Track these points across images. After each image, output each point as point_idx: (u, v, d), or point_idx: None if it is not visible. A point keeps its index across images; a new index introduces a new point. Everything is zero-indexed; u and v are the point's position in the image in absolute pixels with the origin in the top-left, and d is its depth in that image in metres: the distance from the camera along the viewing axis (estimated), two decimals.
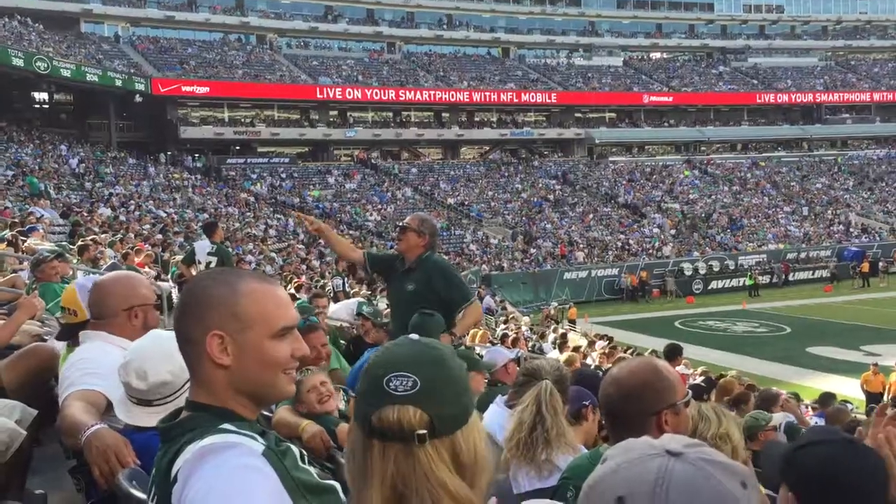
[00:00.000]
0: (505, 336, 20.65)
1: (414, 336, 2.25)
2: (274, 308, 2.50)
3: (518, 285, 48.83)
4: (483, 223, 57.29)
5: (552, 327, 30.17)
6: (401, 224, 7.44)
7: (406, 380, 2.10)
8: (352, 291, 19.41)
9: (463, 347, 10.91)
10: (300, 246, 39.97)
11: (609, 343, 22.53)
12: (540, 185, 64.96)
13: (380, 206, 55.70)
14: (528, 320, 32.47)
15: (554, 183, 65.94)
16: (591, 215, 60.85)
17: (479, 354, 7.86)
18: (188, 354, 2.49)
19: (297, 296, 14.32)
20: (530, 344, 22.65)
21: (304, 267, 31.07)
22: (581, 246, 55.15)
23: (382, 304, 14.77)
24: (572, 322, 38.27)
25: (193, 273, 13.09)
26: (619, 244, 56.45)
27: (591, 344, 22.50)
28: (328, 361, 6.60)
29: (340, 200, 56.01)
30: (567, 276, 50.80)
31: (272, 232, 43.36)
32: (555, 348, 21.16)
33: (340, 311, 12.26)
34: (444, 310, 6.82)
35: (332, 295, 17.76)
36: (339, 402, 5.23)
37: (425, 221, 7.41)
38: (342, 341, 9.25)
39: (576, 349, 18.92)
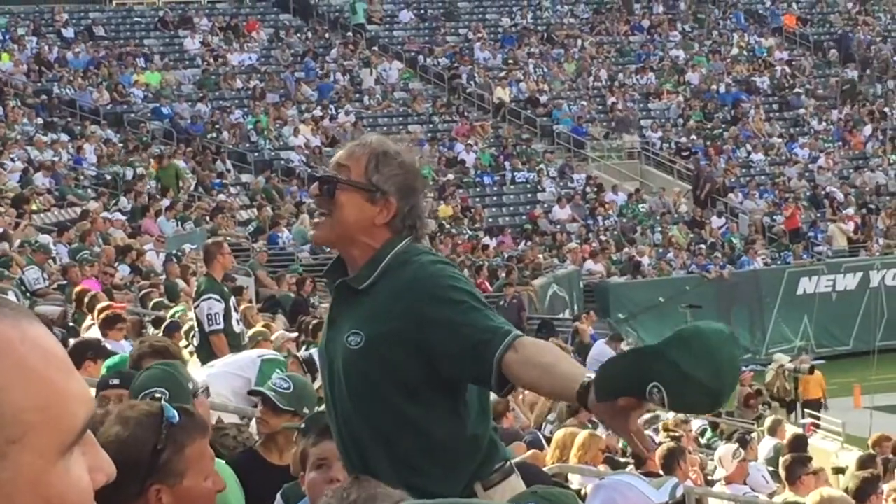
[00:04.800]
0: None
1: None
2: (62, 390, 1.09)
3: (674, 310, 23.91)
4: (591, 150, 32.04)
5: (765, 423, 14.70)
6: (322, 169, 3.41)
7: None
8: (249, 333, 9.77)
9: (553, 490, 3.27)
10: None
11: None
12: None
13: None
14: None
15: None
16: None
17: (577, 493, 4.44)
18: None
19: (107, 340, 8.31)
20: (710, 464, 10.70)
21: (118, 267, 16.00)
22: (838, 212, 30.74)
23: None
24: (814, 407, 20.51)
25: None
26: None
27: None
28: None
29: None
30: (803, 285, 28.21)
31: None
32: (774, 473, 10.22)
33: (218, 384, 6.29)
34: (432, 406, 3.06)
35: (192, 337, 9.51)
36: None
37: (384, 153, 3.11)
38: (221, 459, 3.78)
39: None
